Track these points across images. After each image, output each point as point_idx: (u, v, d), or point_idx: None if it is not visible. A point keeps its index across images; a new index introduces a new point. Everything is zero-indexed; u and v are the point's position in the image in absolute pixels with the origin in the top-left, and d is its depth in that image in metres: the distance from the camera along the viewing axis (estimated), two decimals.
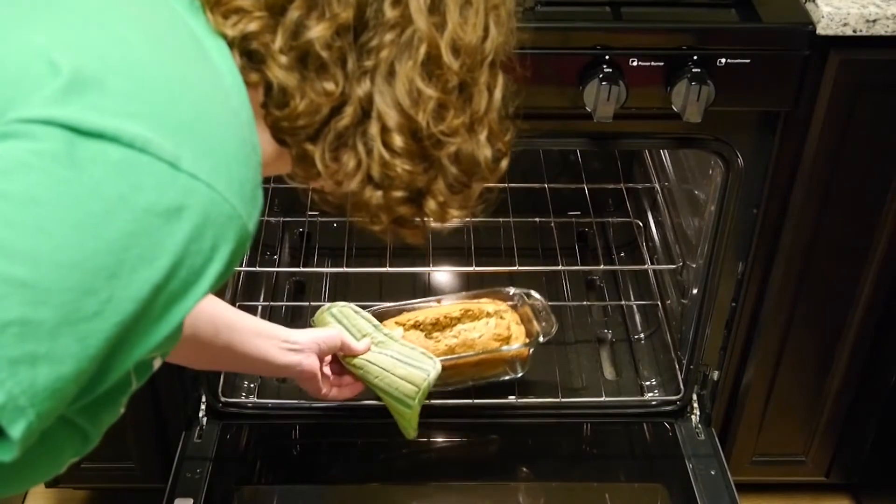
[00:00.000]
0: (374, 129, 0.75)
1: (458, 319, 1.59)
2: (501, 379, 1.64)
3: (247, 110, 0.72)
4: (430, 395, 1.63)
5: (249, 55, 0.73)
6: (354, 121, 0.75)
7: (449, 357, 1.54)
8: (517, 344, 1.58)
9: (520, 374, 1.64)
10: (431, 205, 0.80)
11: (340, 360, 1.43)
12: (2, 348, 0.57)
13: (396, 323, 1.58)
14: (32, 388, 0.58)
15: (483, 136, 0.81)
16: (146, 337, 0.64)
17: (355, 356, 1.42)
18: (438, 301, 1.67)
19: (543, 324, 1.61)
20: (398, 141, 0.75)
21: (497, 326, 1.58)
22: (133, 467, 1.69)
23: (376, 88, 0.75)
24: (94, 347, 0.60)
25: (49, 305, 0.58)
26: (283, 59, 0.73)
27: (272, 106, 0.75)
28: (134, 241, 0.61)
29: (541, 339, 1.60)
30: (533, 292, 1.67)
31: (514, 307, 1.66)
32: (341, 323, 1.47)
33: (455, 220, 0.84)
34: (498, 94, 0.81)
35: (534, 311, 1.64)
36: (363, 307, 1.55)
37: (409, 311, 1.64)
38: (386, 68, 0.75)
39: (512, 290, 1.68)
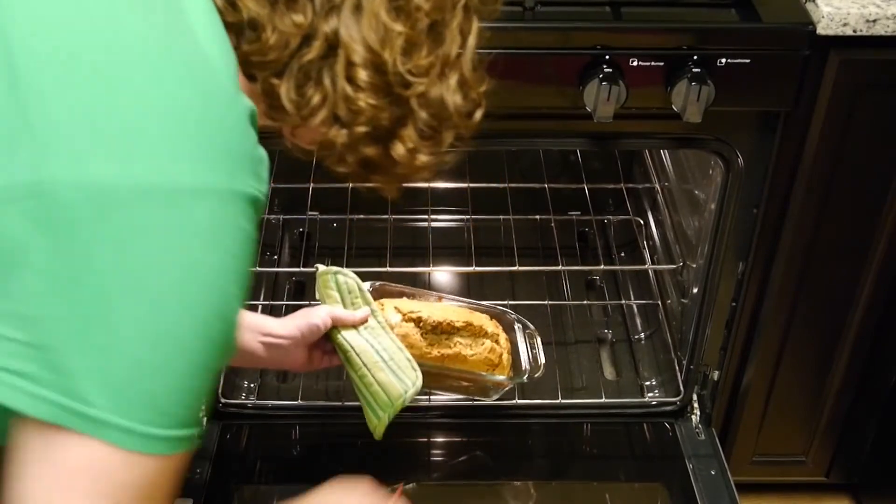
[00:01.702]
0: (339, 63, 0.75)
1: (458, 331, 1.54)
2: (472, 399, 1.61)
3: (231, 73, 0.72)
4: (427, 393, 1.63)
5: None
6: (320, 54, 0.75)
7: (435, 366, 1.50)
8: (502, 376, 1.52)
9: (489, 400, 1.59)
10: (400, 149, 0.80)
11: (328, 332, 1.36)
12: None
13: (396, 309, 1.51)
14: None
15: (454, 81, 0.80)
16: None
17: (347, 327, 1.37)
18: (440, 299, 1.62)
19: (532, 361, 1.56)
20: (362, 75, 0.75)
21: (491, 351, 1.51)
22: None
23: (342, 23, 0.75)
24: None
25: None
26: None
27: (244, 42, 0.75)
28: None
29: (524, 378, 1.54)
30: (532, 328, 1.60)
31: (510, 336, 1.59)
32: (340, 293, 1.41)
33: (425, 173, 0.83)
34: (472, 40, 0.81)
35: (526, 346, 1.57)
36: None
37: (409, 296, 1.58)
38: (353, 2, 0.75)
39: (512, 315, 1.61)
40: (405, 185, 0.87)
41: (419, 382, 1.37)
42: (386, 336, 1.40)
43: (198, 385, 0.65)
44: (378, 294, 1.54)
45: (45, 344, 0.59)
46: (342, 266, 1.68)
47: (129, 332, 0.60)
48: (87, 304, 0.59)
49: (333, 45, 0.75)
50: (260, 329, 1.33)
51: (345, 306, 1.40)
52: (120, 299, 0.59)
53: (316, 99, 0.76)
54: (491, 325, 1.56)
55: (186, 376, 0.63)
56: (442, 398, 1.65)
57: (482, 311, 1.60)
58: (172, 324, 0.61)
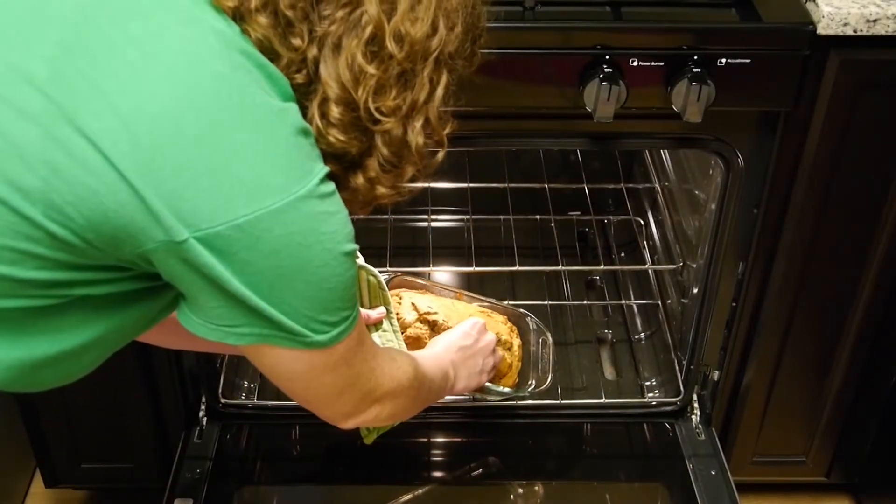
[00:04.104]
0: (318, 96, 0.84)
1: None
2: (472, 398, 1.60)
3: (277, 89, 0.83)
4: None
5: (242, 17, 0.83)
6: (306, 82, 0.84)
7: None
8: (506, 388, 1.52)
9: (489, 401, 1.60)
10: (360, 179, 0.89)
11: None
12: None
13: (413, 307, 1.49)
14: None
15: (418, 124, 0.88)
16: None
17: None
18: (459, 296, 1.60)
19: (540, 373, 1.56)
20: (335, 111, 0.84)
21: (500, 361, 1.49)
22: (133, 467, 1.69)
23: (323, 58, 0.83)
24: None
25: None
26: (262, 18, 0.82)
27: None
28: None
29: (528, 391, 1.55)
30: (550, 338, 1.59)
31: (524, 340, 1.58)
32: (360, 289, 1.40)
33: (384, 200, 0.92)
34: (440, 91, 0.88)
35: (537, 356, 1.58)
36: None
37: (428, 290, 1.57)
38: (333, 41, 0.83)
39: (533, 325, 1.60)
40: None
41: None
42: (395, 345, 1.39)
43: (349, 293, 0.88)
44: (397, 285, 1.52)
45: (256, 313, 0.83)
46: None
47: (296, 293, 0.84)
48: (269, 296, 0.83)
49: (315, 76, 0.84)
50: None
51: (362, 304, 1.39)
52: (287, 286, 0.82)
53: (307, 115, 0.85)
54: (506, 332, 1.54)
55: (340, 297, 0.87)
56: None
57: (501, 312, 1.59)
58: (322, 280, 0.84)
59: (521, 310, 1.62)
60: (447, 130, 0.92)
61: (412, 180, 0.92)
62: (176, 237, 0.77)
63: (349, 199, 0.90)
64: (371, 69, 0.83)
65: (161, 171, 0.76)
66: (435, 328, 1.48)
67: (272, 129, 0.80)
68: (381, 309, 1.40)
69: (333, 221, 0.83)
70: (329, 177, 0.86)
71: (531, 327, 1.60)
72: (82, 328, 0.88)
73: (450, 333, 1.40)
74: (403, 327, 1.45)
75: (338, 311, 0.88)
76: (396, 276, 1.55)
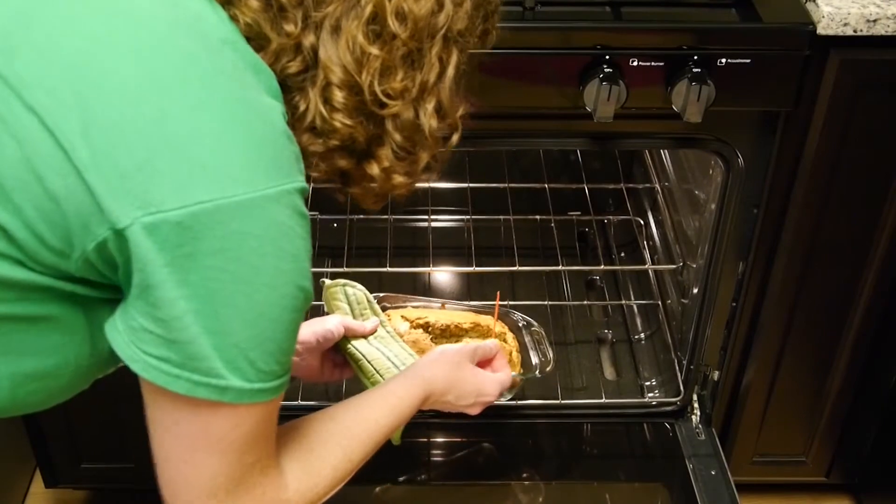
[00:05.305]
0: (318, 81, 0.80)
1: (466, 332, 1.54)
2: None
3: (263, 84, 0.78)
4: None
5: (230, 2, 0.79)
6: (302, 69, 0.80)
7: None
8: (514, 372, 1.50)
9: (503, 400, 1.61)
10: (375, 169, 0.84)
11: (339, 343, 1.37)
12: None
13: (403, 318, 1.52)
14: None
15: (430, 106, 0.83)
16: None
17: (357, 337, 1.37)
18: (443, 306, 1.63)
19: (541, 357, 1.57)
20: (338, 95, 0.80)
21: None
22: (133, 467, 1.69)
23: (321, 43, 0.79)
24: None
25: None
26: (253, 1, 0.79)
27: (260, 53, 0.80)
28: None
29: (537, 373, 1.55)
30: (537, 326, 1.60)
31: (517, 335, 1.60)
32: (350, 304, 1.42)
33: (401, 191, 0.87)
34: (451, 70, 0.84)
35: (534, 342, 1.59)
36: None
37: (414, 307, 1.60)
38: (332, 23, 0.79)
39: (517, 315, 1.62)
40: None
41: None
42: (396, 344, 1.41)
43: (287, 345, 0.79)
44: (382, 307, 1.54)
45: (177, 339, 0.74)
46: (343, 266, 1.67)
47: (234, 310, 0.74)
48: (203, 306, 0.73)
49: (313, 62, 0.80)
50: None
51: (354, 317, 1.40)
52: (226, 297, 0.73)
53: (301, 107, 0.81)
54: (498, 325, 1.56)
55: (279, 341, 0.77)
56: None
57: (486, 312, 1.60)
58: (265, 304, 0.75)
59: (504, 308, 1.64)
60: (461, 113, 0.87)
61: (427, 168, 0.87)
62: (118, 223, 0.70)
63: (363, 194, 0.87)
64: (374, 50, 0.79)
65: (115, 149, 0.70)
66: (429, 329, 1.51)
67: (246, 117, 0.74)
68: (375, 319, 1.41)
69: (297, 244, 0.76)
70: (342, 172, 0.82)
71: (519, 323, 1.62)
72: (45, 352, 0.81)
73: (457, 346, 1.31)
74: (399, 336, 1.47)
75: (269, 361, 0.77)
76: (378, 299, 1.57)
